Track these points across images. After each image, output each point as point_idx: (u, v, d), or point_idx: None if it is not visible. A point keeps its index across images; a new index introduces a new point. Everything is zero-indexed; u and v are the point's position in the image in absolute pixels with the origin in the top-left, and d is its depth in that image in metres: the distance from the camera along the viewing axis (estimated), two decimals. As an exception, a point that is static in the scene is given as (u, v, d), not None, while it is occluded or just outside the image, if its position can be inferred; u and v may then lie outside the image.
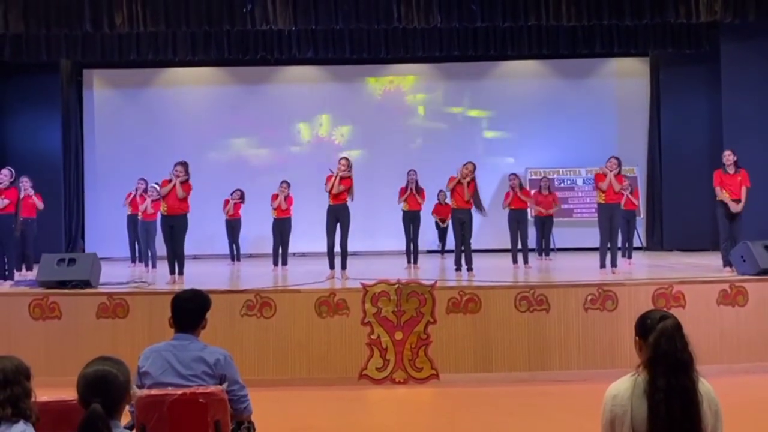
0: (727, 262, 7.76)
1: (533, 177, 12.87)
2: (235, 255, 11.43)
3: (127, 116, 13.27)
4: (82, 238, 13.03)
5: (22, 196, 8.90)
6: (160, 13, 10.04)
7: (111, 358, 2.41)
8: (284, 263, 10.16)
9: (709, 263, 8.88)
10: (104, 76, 13.37)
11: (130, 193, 10.98)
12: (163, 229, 8.33)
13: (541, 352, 6.58)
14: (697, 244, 11.70)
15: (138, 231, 10.61)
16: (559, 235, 12.54)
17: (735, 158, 7.83)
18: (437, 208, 11.77)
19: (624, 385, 2.48)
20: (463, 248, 8.63)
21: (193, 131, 13.24)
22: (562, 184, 13.02)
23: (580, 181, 12.72)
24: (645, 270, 9.15)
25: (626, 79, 13.46)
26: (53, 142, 12.58)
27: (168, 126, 13.23)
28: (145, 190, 10.53)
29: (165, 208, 8.17)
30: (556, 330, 6.60)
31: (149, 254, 10.30)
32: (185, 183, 8.15)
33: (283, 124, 13.40)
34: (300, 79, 13.46)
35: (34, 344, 6.54)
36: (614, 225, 8.33)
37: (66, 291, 6.85)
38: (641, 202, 12.96)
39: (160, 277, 8.83)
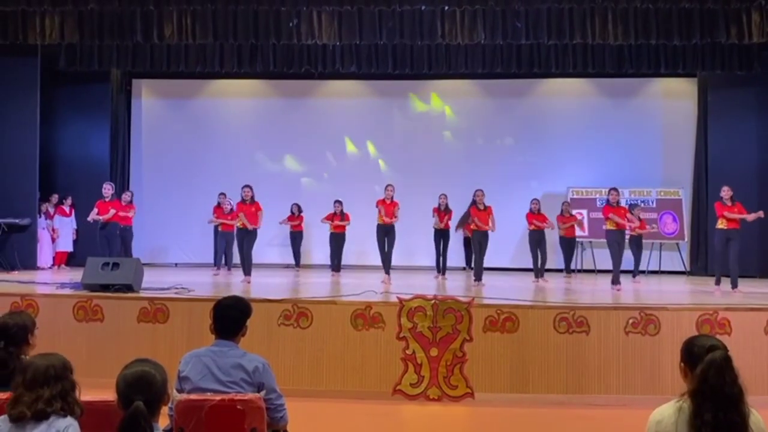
0: (718, 281, 8.97)
1: (575, 196, 12.70)
2: (296, 263, 12.58)
3: (173, 125, 13.58)
4: (125, 243, 13.30)
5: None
6: (208, 25, 10.30)
7: (149, 360, 2.47)
8: (337, 270, 11.48)
9: (755, 290, 8.62)
10: (152, 86, 13.71)
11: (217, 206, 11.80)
12: (238, 239, 9.97)
13: (580, 374, 6.45)
14: (743, 270, 11.27)
15: (218, 239, 11.81)
16: (600, 256, 12.36)
17: (732, 193, 9.00)
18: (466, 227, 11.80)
19: (669, 411, 2.41)
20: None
21: (237, 142, 13.47)
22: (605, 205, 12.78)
23: (623, 202, 12.44)
24: (688, 295, 8.92)
25: (673, 100, 13.21)
26: (101, 149, 12.94)
27: (213, 136, 13.48)
28: (219, 204, 11.72)
29: (240, 223, 9.85)
30: (596, 353, 6.47)
31: (225, 259, 11.62)
32: (254, 202, 9.86)
33: (325, 138, 13.50)
34: (343, 94, 13.58)
35: (77, 345, 6.69)
36: (621, 248, 9.42)
37: (109, 294, 7.01)
38: (686, 226, 12.69)
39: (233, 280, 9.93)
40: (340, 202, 11.65)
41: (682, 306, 6.93)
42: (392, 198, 10.19)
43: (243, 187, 9.93)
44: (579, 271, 12.29)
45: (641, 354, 6.44)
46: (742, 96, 12.11)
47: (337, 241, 11.63)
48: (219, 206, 11.73)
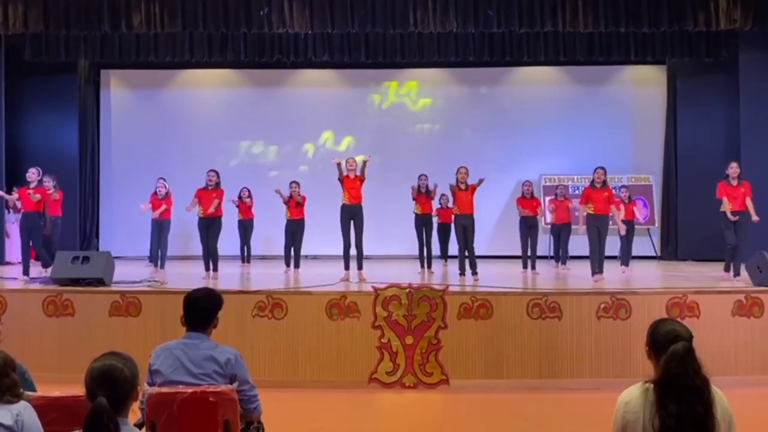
0: (728, 268, 8.14)
1: (547, 184, 12.81)
2: (245, 257, 10.96)
3: (143, 116, 13.38)
4: (97, 236, 13.12)
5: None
6: (177, 14, 10.15)
7: (119, 354, 2.42)
8: (296, 266, 9.93)
9: (724, 273, 8.77)
10: (121, 76, 13.48)
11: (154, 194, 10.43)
12: (201, 231, 9.04)
13: (553, 360, 6.54)
14: (712, 254, 11.46)
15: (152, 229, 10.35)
16: (572, 243, 12.46)
17: (739, 171, 8.05)
18: (439, 212, 10.83)
19: (636, 392, 2.45)
20: (467, 253, 8.75)
21: (208, 132, 13.32)
22: (577, 192, 12.88)
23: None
24: (659, 279, 9.07)
25: (643, 87, 13.36)
26: (70, 141, 12.71)
27: (183, 127, 13.31)
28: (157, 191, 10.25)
29: (201, 212, 8.95)
30: (568, 338, 6.56)
31: (160, 253, 10.07)
32: (218, 188, 9.07)
33: (297, 127, 13.40)
34: (315, 83, 13.49)
35: (48, 341, 6.61)
36: (602, 234, 8.48)
37: (80, 289, 6.91)
38: (656, 211, 12.88)
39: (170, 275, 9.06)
40: (297, 183, 10.15)
41: (653, 290, 7.04)
42: (356, 172, 8.57)
43: (207, 172, 9.12)
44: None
45: (613, 338, 6.54)
46: (711, 83, 12.30)
47: (293, 230, 9.96)
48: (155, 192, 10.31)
